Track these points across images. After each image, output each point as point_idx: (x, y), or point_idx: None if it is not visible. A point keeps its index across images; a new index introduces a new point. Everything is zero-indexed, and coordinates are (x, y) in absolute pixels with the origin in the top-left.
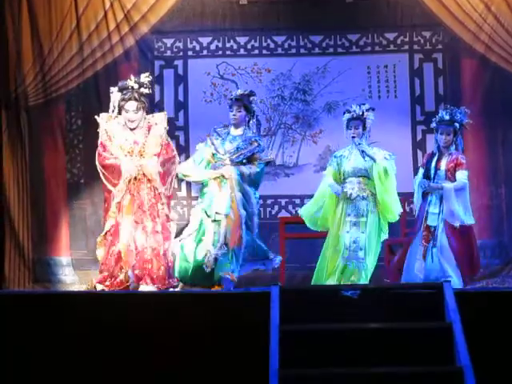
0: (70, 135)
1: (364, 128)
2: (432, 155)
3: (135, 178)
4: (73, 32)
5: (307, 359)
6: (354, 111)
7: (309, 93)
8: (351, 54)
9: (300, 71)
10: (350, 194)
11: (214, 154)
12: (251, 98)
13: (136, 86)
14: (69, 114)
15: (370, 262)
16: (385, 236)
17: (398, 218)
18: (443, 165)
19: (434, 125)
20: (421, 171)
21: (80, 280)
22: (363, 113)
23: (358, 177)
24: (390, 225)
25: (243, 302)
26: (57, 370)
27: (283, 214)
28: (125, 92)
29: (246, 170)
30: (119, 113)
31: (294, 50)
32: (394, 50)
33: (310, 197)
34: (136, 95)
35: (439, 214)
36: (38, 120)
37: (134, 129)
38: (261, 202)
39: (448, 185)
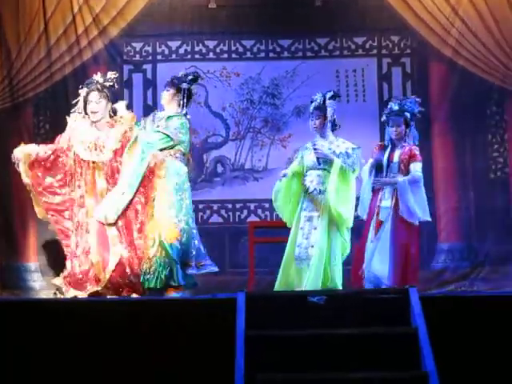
0: (38, 139)
1: (325, 118)
2: (384, 147)
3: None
4: (41, 35)
5: (273, 365)
6: (316, 100)
7: (278, 97)
8: (320, 58)
9: (269, 75)
10: (308, 187)
11: None
12: (189, 78)
13: (101, 80)
14: (36, 118)
15: (323, 263)
16: (342, 238)
17: (347, 223)
18: (396, 157)
19: (384, 118)
20: (369, 162)
21: (48, 286)
22: (325, 101)
23: (319, 170)
24: (358, 226)
25: (209, 309)
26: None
27: (252, 218)
28: (89, 86)
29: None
30: (85, 109)
31: (262, 54)
32: (362, 55)
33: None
34: (99, 86)
35: (391, 208)
36: (4, 124)
37: (98, 121)
38: (230, 206)
39: (402, 178)
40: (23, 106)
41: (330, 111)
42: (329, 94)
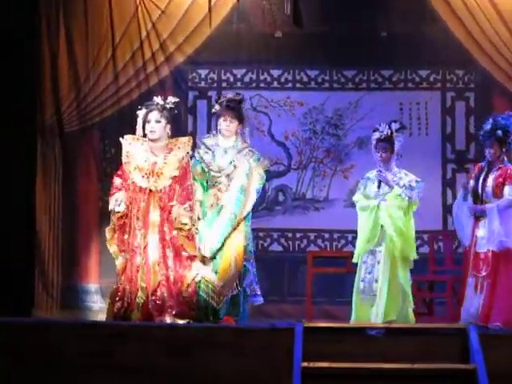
0: (104, 164)
1: (392, 151)
2: (481, 169)
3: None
4: (109, 61)
5: None
6: (382, 132)
7: (341, 127)
8: (384, 90)
9: (332, 105)
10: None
11: (204, 171)
12: (241, 105)
13: (161, 102)
14: (103, 143)
15: (387, 297)
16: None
17: (409, 255)
18: (490, 180)
19: (480, 138)
20: (461, 193)
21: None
22: (392, 133)
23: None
24: (420, 260)
25: (267, 337)
26: None
27: (312, 247)
28: (149, 106)
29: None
30: (143, 131)
31: (327, 84)
32: (426, 88)
33: (340, 231)
34: (159, 107)
35: (485, 237)
36: (71, 147)
37: (155, 141)
38: (290, 235)
39: (491, 204)
40: (90, 130)
41: (397, 145)
42: (395, 126)
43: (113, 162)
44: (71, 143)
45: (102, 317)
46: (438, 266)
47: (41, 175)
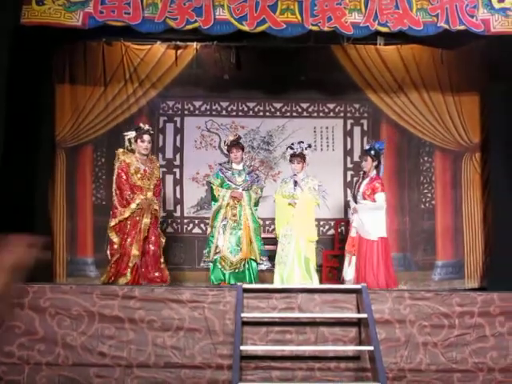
0: (96, 169)
1: (304, 162)
2: (359, 178)
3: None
4: (101, 95)
5: (262, 338)
6: (296, 149)
7: (271, 144)
8: (302, 118)
9: (265, 128)
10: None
11: (223, 184)
12: (242, 140)
13: (146, 128)
14: (95, 154)
15: (295, 266)
16: (311, 247)
17: (311, 238)
18: (362, 187)
19: (359, 154)
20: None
21: (100, 275)
22: (303, 150)
23: (293, 199)
24: (328, 240)
25: (217, 296)
26: None
27: None
28: (140, 130)
29: (253, 194)
30: (131, 148)
31: (261, 113)
32: (333, 116)
33: (270, 219)
34: (148, 132)
35: (356, 227)
36: (72, 158)
37: (146, 155)
38: None
39: (360, 205)
40: (86, 145)
41: (308, 159)
42: (305, 145)
43: (102, 168)
44: (72, 154)
45: (96, 282)
46: (340, 243)
47: (51, 177)
